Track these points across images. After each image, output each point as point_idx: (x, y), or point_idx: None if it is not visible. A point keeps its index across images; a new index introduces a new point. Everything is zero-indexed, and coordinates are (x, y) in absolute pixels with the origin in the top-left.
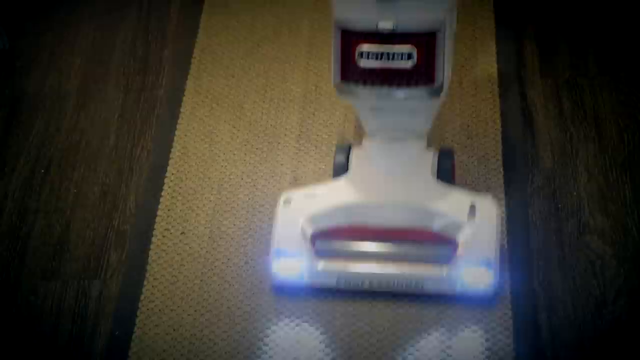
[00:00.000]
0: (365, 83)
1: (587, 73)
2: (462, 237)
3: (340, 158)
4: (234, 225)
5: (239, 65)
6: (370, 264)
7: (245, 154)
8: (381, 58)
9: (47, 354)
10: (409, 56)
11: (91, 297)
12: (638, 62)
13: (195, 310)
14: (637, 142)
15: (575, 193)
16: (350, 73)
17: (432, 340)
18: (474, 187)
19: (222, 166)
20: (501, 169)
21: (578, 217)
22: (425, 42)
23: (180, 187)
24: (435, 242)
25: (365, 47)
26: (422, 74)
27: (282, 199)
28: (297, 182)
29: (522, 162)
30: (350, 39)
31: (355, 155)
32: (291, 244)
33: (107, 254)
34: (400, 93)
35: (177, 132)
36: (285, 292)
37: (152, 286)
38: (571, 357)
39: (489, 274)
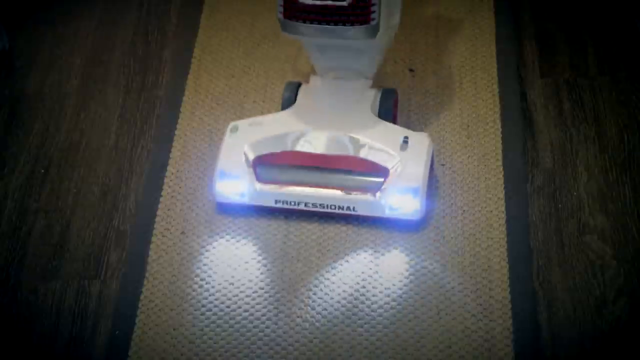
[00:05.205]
0: (305, 20)
1: (587, 73)
2: (392, 167)
3: (289, 93)
4: (234, 224)
5: (239, 65)
6: (304, 187)
7: None
8: None
9: (47, 353)
10: None
11: (91, 297)
12: (638, 62)
13: (196, 310)
14: (637, 142)
15: (575, 193)
16: (293, 11)
17: (430, 340)
18: (475, 187)
19: None
20: (501, 169)
21: (578, 217)
22: None
23: (180, 187)
24: (367, 170)
25: None
26: (358, 13)
27: (229, 126)
28: None
29: (522, 162)
30: None
31: (302, 90)
32: (234, 167)
33: (107, 254)
34: (338, 30)
35: (177, 132)
36: (226, 210)
37: (152, 286)
38: (571, 357)
39: (414, 201)
